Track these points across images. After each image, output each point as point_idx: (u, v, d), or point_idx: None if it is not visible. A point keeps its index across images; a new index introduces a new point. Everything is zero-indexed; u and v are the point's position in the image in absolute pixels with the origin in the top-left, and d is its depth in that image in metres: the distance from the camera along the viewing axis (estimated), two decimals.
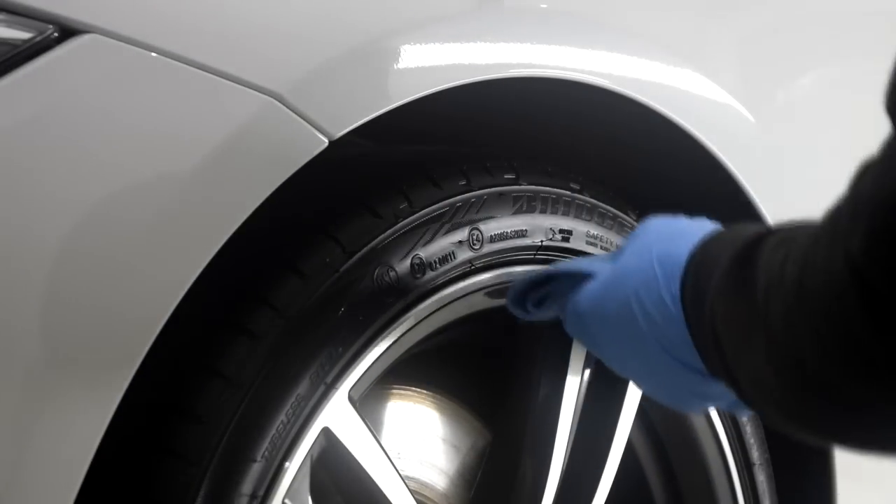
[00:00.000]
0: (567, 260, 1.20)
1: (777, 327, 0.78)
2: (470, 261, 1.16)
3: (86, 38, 0.93)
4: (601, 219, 1.26)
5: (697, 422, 1.35)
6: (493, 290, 1.19)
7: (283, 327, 1.05)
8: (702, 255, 0.96)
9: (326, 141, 1.01)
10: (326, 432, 1.07)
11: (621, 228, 1.27)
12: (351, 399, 1.09)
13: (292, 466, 1.05)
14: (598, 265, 1.08)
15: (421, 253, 1.12)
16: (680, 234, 1.01)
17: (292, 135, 0.99)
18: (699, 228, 1.00)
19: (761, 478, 1.39)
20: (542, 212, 1.21)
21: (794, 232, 0.83)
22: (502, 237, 1.18)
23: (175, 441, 1.02)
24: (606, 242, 1.25)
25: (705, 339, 0.92)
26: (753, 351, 0.82)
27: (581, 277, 1.08)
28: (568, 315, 1.08)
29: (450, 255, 1.14)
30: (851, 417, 0.77)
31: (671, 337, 0.98)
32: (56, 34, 0.93)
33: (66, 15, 0.93)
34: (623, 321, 1.01)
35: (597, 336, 1.06)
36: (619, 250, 1.07)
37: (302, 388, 1.05)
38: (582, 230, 1.24)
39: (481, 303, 1.19)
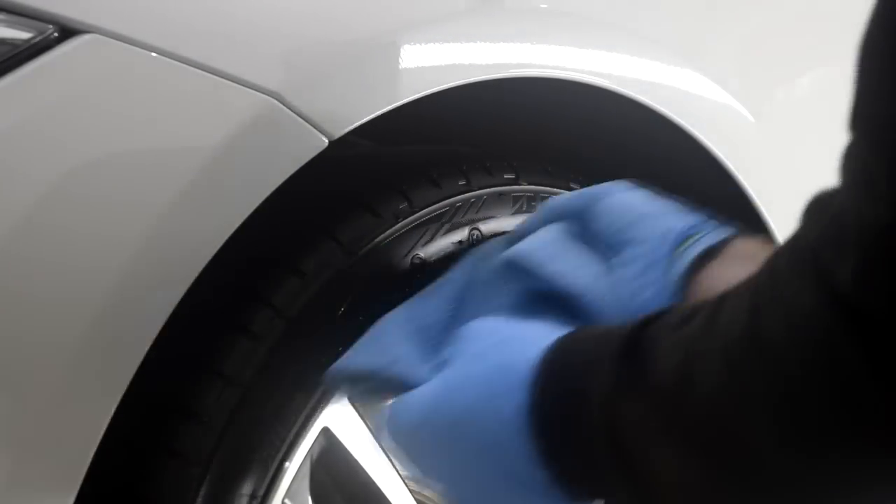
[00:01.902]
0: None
1: (711, 403, 0.69)
2: None
3: (86, 38, 0.93)
4: None
5: None
6: None
7: (283, 327, 1.05)
8: (562, 360, 0.81)
9: (326, 141, 1.01)
10: (326, 432, 1.07)
11: None
12: (351, 399, 1.09)
13: (292, 466, 1.05)
14: (419, 372, 0.94)
15: (421, 253, 1.12)
16: (514, 339, 0.86)
17: (292, 135, 0.99)
18: (534, 335, 0.86)
19: None
20: None
21: (688, 312, 0.73)
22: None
23: (175, 441, 1.02)
24: None
25: (589, 453, 0.78)
26: (671, 446, 0.72)
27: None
28: (391, 423, 0.91)
29: (450, 255, 1.14)
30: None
31: (511, 457, 0.81)
32: (56, 34, 0.92)
33: (66, 15, 0.93)
34: (459, 435, 0.85)
35: (428, 449, 0.89)
36: (446, 355, 0.93)
37: (302, 388, 1.05)
38: None
39: None
